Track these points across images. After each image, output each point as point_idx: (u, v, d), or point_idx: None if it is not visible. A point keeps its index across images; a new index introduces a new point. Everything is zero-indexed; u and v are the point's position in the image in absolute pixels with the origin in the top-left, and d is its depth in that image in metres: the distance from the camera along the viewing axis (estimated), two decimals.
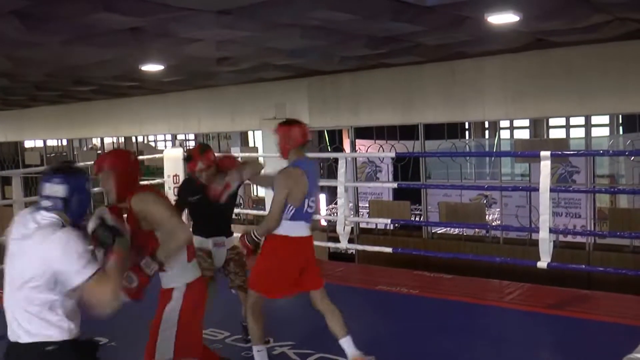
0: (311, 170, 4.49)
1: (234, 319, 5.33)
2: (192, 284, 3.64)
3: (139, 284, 3.41)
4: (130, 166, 3.67)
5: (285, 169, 4.43)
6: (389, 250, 7.52)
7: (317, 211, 4.69)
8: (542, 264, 6.06)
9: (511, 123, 15.36)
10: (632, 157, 11.28)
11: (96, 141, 19.54)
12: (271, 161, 13.34)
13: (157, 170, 13.62)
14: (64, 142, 20.09)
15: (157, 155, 10.23)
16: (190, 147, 5.07)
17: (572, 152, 10.30)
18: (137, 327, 4.62)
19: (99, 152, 18.94)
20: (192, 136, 16.86)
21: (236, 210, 15.09)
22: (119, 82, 12.70)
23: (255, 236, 4.36)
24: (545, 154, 6.07)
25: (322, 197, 14.36)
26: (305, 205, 4.39)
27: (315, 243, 9.97)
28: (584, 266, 8.76)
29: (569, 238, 10.76)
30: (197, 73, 11.80)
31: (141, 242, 3.44)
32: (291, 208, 4.32)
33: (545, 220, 6.08)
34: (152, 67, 10.53)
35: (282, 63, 10.59)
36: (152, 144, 18.32)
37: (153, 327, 3.65)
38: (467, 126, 16.26)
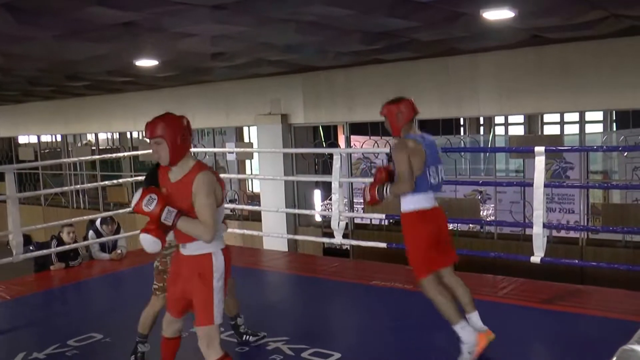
0: (427, 142, 4.46)
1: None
2: (224, 250, 3.70)
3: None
4: (184, 131, 3.64)
5: (399, 140, 4.45)
6: (383, 245, 7.50)
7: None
8: (536, 259, 6.09)
9: (506, 119, 15.40)
10: (625, 153, 11.31)
11: (91, 137, 19.49)
12: (265, 156, 13.51)
13: (151, 165, 13.58)
14: (59, 138, 20.04)
15: (151, 151, 10.14)
16: None
17: (566, 148, 10.31)
18: (131, 324, 4.64)
19: (93, 148, 18.92)
20: None
21: (231, 206, 15.25)
22: (113, 78, 12.66)
23: (386, 191, 4.39)
24: (539, 149, 6.09)
25: (317, 193, 14.39)
26: (428, 177, 4.36)
27: (310, 238, 10.09)
28: (577, 261, 8.77)
29: (563, 233, 10.79)
30: (192, 68, 11.78)
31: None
32: (416, 181, 4.32)
33: (539, 215, 6.11)
34: (146, 63, 10.49)
35: (277, 59, 10.57)
36: (148, 140, 18.23)
37: (201, 293, 3.62)
38: (462, 122, 16.28)
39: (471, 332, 4.27)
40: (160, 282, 4.55)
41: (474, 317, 4.51)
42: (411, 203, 4.40)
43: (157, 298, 4.55)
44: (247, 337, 5.01)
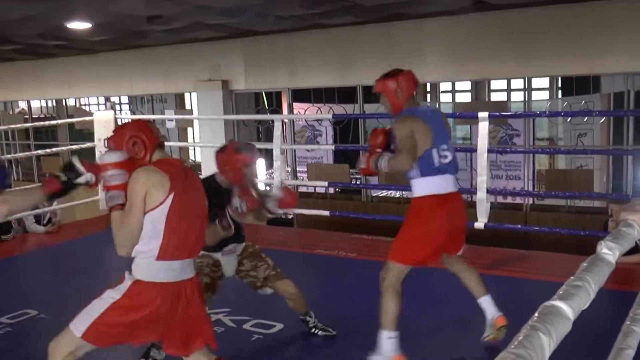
0: (432, 117, 3.99)
1: None
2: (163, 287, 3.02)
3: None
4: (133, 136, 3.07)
5: (399, 116, 3.94)
6: (326, 213, 7.42)
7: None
8: (480, 224, 6.16)
9: (453, 86, 15.38)
10: (569, 119, 11.43)
11: (23, 104, 18.79)
12: (206, 124, 13.22)
13: (88, 134, 13.18)
14: None
15: (86, 118, 9.80)
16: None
17: (509, 114, 10.36)
18: (67, 299, 4.40)
19: (26, 116, 18.25)
20: (125, 98, 16.36)
21: None
22: (45, 41, 12.19)
23: (381, 165, 3.93)
24: (482, 115, 6.17)
25: (261, 162, 14.18)
26: (438, 156, 3.88)
27: None
28: (519, 226, 8.83)
29: (509, 200, 10.87)
30: (128, 32, 11.42)
31: None
32: (422, 162, 3.85)
33: (482, 181, 6.17)
34: (79, 25, 10.11)
35: (216, 22, 10.33)
36: (86, 108, 17.71)
37: None
38: None
39: (392, 349, 3.86)
40: (263, 262, 4.33)
41: (485, 302, 4.20)
42: (423, 187, 3.92)
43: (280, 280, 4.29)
44: (317, 331, 4.55)
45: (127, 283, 2.96)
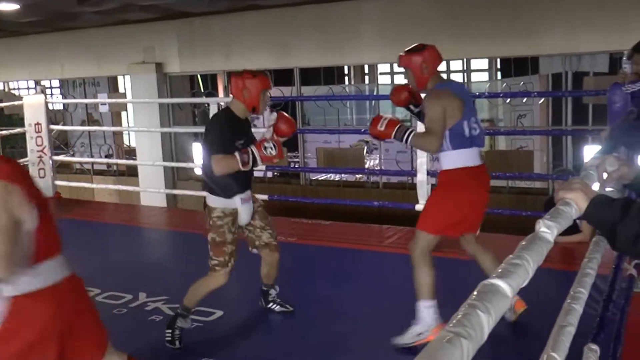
0: (463, 90, 3.97)
1: (108, 275, 4.95)
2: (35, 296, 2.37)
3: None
4: None
5: (431, 90, 3.84)
6: (265, 197, 7.25)
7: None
8: (420, 206, 6.08)
9: (391, 68, 15.31)
10: (509, 101, 11.50)
11: None
12: (140, 108, 12.87)
13: (18, 119, 12.69)
14: None
15: (16, 103, 9.42)
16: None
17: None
18: None
19: None
20: (56, 82, 15.81)
21: (106, 161, 14.47)
22: None
23: (406, 138, 3.77)
24: (423, 96, 6.02)
25: (196, 146, 13.90)
26: (469, 129, 3.79)
27: (189, 193, 9.69)
28: None
29: None
30: (58, 13, 11.03)
31: None
32: (453, 134, 3.75)
33: (422, 162, 6.16)
34: (6, 6, 9.76)
35: (149, 3, 10.04)
36: (16, 92, 17.07)
37: None
38: (346, 71, 16.09)
39: (433, 318, 3.80)
40: (220, 255, 3.94)
41: None
42: (454, 160, 3.82)
43: (218, 274, 3.96)
44: (275, 306, 4.50)
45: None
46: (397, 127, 3.81)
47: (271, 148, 3.80)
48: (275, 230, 4.29)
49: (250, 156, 3.79)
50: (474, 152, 3.87)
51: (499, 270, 1.23)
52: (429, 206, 4.02)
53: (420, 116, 4.19)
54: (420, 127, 4.57)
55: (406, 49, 3.95)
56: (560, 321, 1.93)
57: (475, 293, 1.13)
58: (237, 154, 3.76)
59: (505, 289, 1.16)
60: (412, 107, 4.18)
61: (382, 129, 3.86)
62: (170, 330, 4.00)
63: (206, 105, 9.51)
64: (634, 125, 4.68)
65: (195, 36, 12.51)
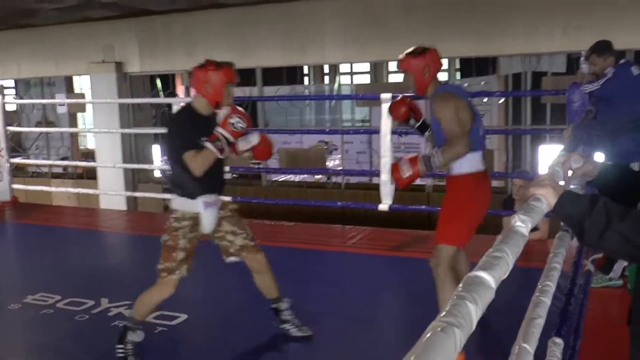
0: (462, 93, 3.86)
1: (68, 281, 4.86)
2: None
3: None
4: None
5: (436, 94, 3.69)
6: (228, 199, 7.19)
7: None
8: (384, 206, 6.15)
9: (351, 68, 15.37)
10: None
11: None
12: (100, 108, 12.66)
13: None
14: None
15: None
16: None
17: (412, 95, 10.41)
18: None
19: None
20: (11, 82, 15.48)
21: (64, 163, 14.19)
22: None
23: (435, 163, 3.56)
24: (385, 96, 6.24)
25: (156, 147, 13.75)
26: (481, 130, 3.72)
27: (150, 195, 9.57)
28: (424, 207, 8.88)
29: None
30: (14, 10, 10.85)
31: None
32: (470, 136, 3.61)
33: (386, 162, 6.18)
34: None
35: (109, 1, 9.89)
36: None
37: None
38: (306, 71, 16.08)
39: None
40: (168, 260, 3.63)
41: None
42: (466, 164, 3.70)
43: (163, 282, 3.65)
44: (290, 327, 4.00)
45: None
46: (420, 161, 3.63)
47: (238, 122, 3.52)
48: (251, 233, 3.91)
49: (223, 139, 3.51)
50: (481, 156, 3.79)
51: (481, 264, 1.28)
52: (447, 217, 3.77)
53: (422, 130, 4.07)
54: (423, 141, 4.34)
55: (406, 52, 3.83)
56: (529, 314, 2.01)
57: (461, 285, 1.17)
58: (207, 144, 3.48)
59: (489, 280, 1.21)
60: (412, 121, 4.02)
61: (410, 173, 3.65)
62: (121, 346, 3.69)
63: (166, 106, 9.40)
64: (592, 124, 4.78)
65: (157, 35, 12.37)
